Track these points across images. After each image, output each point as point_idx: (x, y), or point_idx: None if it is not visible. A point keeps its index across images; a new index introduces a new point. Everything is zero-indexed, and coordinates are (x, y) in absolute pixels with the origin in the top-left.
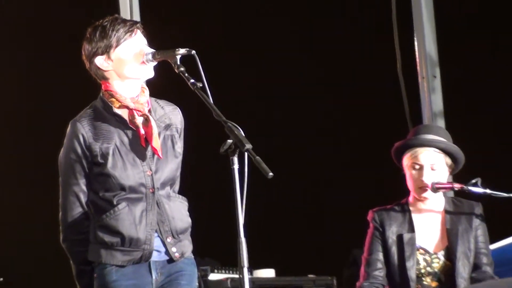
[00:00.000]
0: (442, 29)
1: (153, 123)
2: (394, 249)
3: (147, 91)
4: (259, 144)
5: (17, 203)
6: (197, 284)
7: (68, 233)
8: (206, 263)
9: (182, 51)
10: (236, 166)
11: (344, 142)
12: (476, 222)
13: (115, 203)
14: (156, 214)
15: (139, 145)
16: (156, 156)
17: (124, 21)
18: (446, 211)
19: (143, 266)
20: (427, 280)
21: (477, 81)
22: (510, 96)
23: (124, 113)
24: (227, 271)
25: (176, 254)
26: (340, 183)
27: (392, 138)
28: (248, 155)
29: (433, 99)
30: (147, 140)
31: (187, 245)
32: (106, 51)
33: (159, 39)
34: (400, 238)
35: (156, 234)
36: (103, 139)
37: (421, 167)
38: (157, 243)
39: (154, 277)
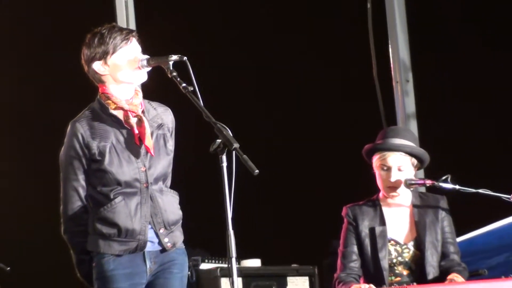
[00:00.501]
0: (414, 37)
1: (146, 123)
2: (367, 242)
3: (140, 94)
4: (245, 143)
5: (26, 195)
6: (188, 272)
7: (68, 225)
8: (197, 253)
9: (174, 57)
10: (224, 164)
11: (324, 141)
12: (442, 214)
13: (112, 197)
14: (149, 207)
15: (134, 144)
16: (149, 153)
17: (121, 29)
18: (414, 205)
19: (138, 255)
20: (399, 269)
21: (446, 85)
22: (476, 98)
23: (119, 114)
24: (216, 261)
25: (169, 244)
26: (320, 180)
27: (368, 137)
28: (235, 154)
29: (406, 101)
30: (141, 139)
31: (178, 236)
32: (103, 57)
33: (153, 44)
34: (372, 231)
35: (149, 226)
36: (100, 138)
37: (389, 169)
38: (150, 234)
39: (148, 266)
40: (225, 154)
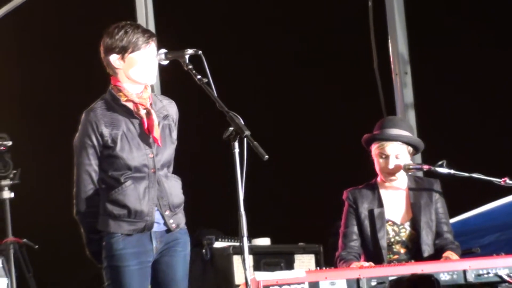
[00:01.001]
0: (412, 33)
1: (154, 116)
2: (366, 223)
3: (149, 88)
4: (256, 130)
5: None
6: (189, 249)
7: (81, 206)
8: (211, 233)
9: (190, 51)
10: (236, 150)
11: (329, 129)
12: (436, 196)
13: (122, 181)
14: (156, 191)
15: (143, 133)
16: (154, 141)
17: (144, 31)
18: (409, 188)
19: (145, 235)
20: (397, 247)
21: (442, 77)
22: (470, 89)
23: (129, 105)
24: (229, 240)
25: (173, 225)
26: (325, 165)
27: (370, 125)
28: (247, 141)
29: (404, 92)
30: (149, 130)
31: (181, 218)
32: (122, 52)
33: (171, 39)
34: (371, 212)
35: (156, 208)
36: (112, 126)
37: (387, 157)
38: (157, 215)
39: (154, 245)
40: (237, 141)
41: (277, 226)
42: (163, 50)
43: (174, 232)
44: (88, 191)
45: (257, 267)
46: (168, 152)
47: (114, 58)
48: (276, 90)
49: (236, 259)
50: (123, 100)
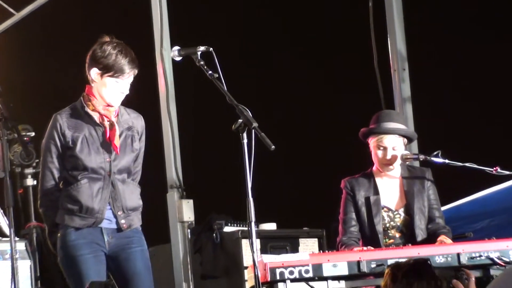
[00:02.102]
0: (410, 31)
1: (117, 127)
2: (363, 209)
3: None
4: (264, 123)
5: None
6: (146, 246)
7: (43, 200)
8: (221, 218)
9: (202, 48)
10: (245, 141)
11: (332, 121)
12: (428, 183)
13: (79, 178)
14: (110, 192)
15: (104, 140)
16: (112, 147)
17: (131, 61)
18: (403, 177)
19: (96, 229)
20: (392, 232)
21: (438, 73)
22: (464, 85)
23: (95, 114)
24: (238, 225)
25: (124, 225)
26: (328, 155)
27: (370, 118)
28: (254, 132)
29: (402, 87)
30: (110, 139)
31: (135, 220)
32: (103, 70)
33: (184, 35)
34: (367, 200)
35: (109, 207)
36: (74, 129)
37: (385, 149)
38: (109, 214)
39: (106, 239)
40: (245, 132)
41: (282, 212)
42: (177, 47)
43: (126, 231)
44: (49, 187)
45: (264, 250)
46: (126, 159)
47: (94, 72)
48: (283, 84)
49: (245, 243)
50: (90, 109)
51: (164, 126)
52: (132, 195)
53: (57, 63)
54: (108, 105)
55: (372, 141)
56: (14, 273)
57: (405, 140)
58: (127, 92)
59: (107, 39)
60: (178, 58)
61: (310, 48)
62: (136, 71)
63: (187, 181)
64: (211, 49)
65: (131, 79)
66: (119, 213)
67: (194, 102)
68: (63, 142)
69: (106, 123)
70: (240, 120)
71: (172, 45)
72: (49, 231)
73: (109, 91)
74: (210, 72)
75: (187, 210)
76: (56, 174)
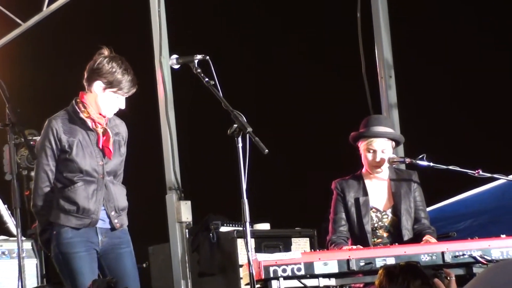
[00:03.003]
0: (396, 40)
1: (110, 133)
2: (353, 210)
3: None
4: (257, 127)
5: None
6: (132, 246)
7: (37, 200)
8: (218, 218)
9: (199, 56)
10: (240, 145)
11: (322, 126)
12: (414, 186)
13: (75, 181)
14: (103, 194)
15: (96, 144)
16: (104, 151)
17: (132, 79)
18: (391, 179)
19: (91, 229)
20: (380, 232)
21: (423, 80)
22: (449, 91)
23: (88, 121)
24: (233, 225)
25: (118, 224)
26: (319, 159)
27: (358, 122)
28: (249, 136)
29: (389, 93)
30: (104, 144)
31: (125, 219)
32: (107, 85)
33: (183, 42)
34: (357, 201)
35: (103, 208)
36: (70, 134)
37: (375, 152)
38: (103, 215)
39: (100, 238)
40: (240, 136)
41: (276, 212)
42: (175, 56)
43: (118, 231)
44: (44, 188)
45: (258, 249)
46: (115, 162)
47: (98, 84)
48: (275, 89)
49: (240, 242)
50: (84, 115)
51: (163, 130)
52: (121, 196)
53: (62, 71)
54: (101, 114)
55: (362, 145)
56: (21, 271)
57: (393, 143)
58: (124, 107)
59: (106, 52)
60: (176, 66)
61: (301, 55)
62: (134, 90)
63: (185, 183)
64: (207, 57)
65: (128, 97)
66: (112, 213)
67: (191, 108)
68: (59, 146)
69: (99, 130)
70: (235, 125)
71: (170, 53)
72: (42, 230)
73: (108, 104)
74: (206, 79)
75: (185, 211)
76: (51, 176)
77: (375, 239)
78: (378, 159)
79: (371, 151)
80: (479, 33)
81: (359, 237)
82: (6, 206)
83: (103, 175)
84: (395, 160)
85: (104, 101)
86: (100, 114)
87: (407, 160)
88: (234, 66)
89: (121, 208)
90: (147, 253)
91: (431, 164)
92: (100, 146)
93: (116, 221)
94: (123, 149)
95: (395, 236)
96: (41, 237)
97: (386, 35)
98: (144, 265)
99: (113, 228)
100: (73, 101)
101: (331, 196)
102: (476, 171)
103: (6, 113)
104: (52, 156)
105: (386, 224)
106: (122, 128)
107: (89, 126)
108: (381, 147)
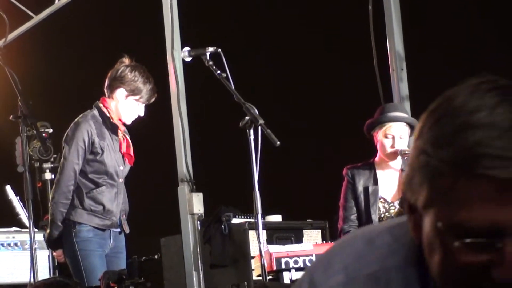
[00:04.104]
0: (408, 33)
1: (129, 139)
2: (361, 198)
3: None
4: (268, 119)
5: None
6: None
7: (60, 196)
8: (229, 210)
9: (210, 49)
10: (252, 137)
11: (335, 118)
12: None
13: (101, 183)
14: (121, 197)
15: (118, 149)
16: (124, 157)
17: (153, 88)
18: (402, 170)
19: (106, 232)
20: None
21: (435, 72)
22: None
23: (116, 124)
24: (245, 217)
25: (127, 228)
26: (331, 150)
27: (370, 114)
28: (261, 128)
29: (401, 86)
30: (126, 150)
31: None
32: (130, 93)
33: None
34: (366, 189)
35: (119, 211)
36: (101, 137)
37: (393, 138)
38: None
39: (111, 241)
40: (252, 129)
41: (288, 204)
42: (187, 48)
43: (122, 235)
44: (69, 186)
45: (270, 240)
46: (128, 168)
47: (121, 92)
48: (287, 81)
49: (251, 234)
50: (113, 120)
51: (175, 123)
52: (127, 200)
53: (74, 63)
54: (120, 120)
55: (379, 132)
56: (33, 262)
57: (409, 131)
58: (143, 115)
59: (127, 61)
60: (188, 59)
61: (312, 48)
62: (154, 99)
63: (197, 175)
64: (219, 50)
65: (148, 103)
66: (123, 216)
67: (203, 100)
68: (91, 148)
69: (120, 135)
70: (247, 117)
71: (182, 46)
72: (55, 225)
73: (129, 111)
74: (218, 72)
75: (197, 203)
76: (77, 176)
77: None
78: (396, 145)
79: (389, 136)
80: (491, 27)
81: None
82: (18, 197)
83: (122, 179)
84: (406, 152)
85: (126, 108)
86: (119, 120)
87: None
88: (246, 58)
89: (127, 212)
90: (159, 245)
91: None
92: (122, 152)
93: (125, 224)
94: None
95: None
96: (54, 233)
97: (398, 27)
98: (156, 256)
99: (120, 232)
100: (98, 105)
101: (342, 183)
102: None
103: (18, 105)
104: (82, 156)
105: (392, 215)
106: (128, 136)
107: (116, 131)
108: (399, 133)
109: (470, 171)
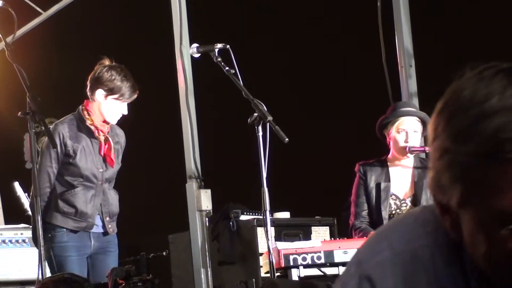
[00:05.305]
0: (416, 29)
1: (111, 141)
2: (373, 194)
3: None
4: (278, 113)
5: None
6: (118, 249)
7: (36, 200)
8: (238, 207)
9: (219, 45)
10: (260, 133)
11: (343, 115)
12: None
13: (75, 185)
14: (100, 200)
15: (98, 151)
16: (106, 159)
17: (133, 85)
18: (415, 167)
19: (85, 234)
20: None
21: (444, 69)
22: None
23: (92, 128)
24: (253, 213)
25: (111, 229)
26: (339, 147)
27: (378, 112)
28: (269, 125)
29: (409, 83)
30: (106, 152)
31: (115, 225)
32: (108, 92)
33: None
34: (378, 185)
35: (97, 213)
36: (75, 140)
37: (406, 132)
38: (97, 219)
39: (92, 242)
40: (260, 125)
41: (296, 201)
42: (195, 45)
43: (109, 236)
44: (44, 188)
45: (278, 237)
46: (113, 170)
47: (100, 93)
48: (294, 78)
49: (260, 231)
50: (88, 123)
51: (183, 120)
52: (115, 201)
53: (82, 60)
54: (105, 122)
55: (391, 129)
56: (41, 259)
57: (422, 127)
58: (126, 112)
59: (107, 62)
60: (197, 55)
61: (320, 45)
62: (136, 96)
63: (205, 172)
64: (228, 46)
65: (129, 102)
66: (107, 218)
67: (212, 97)
68: (63, 150)
69: (101, 137)
70: (255, 114)
71: (191, 42)
72: (34, 227)
73: (111, 111)
74: (227, 68)
75: (205, 200)
76: (52, 178)
77: None
78: (410, 140)
79: (402, 131)
80: (501, 22)
81: (376, 222)
82: (26, 194)
83: (102, 182)
84: (415, 149)
85: (107, 108)
86: (104, 121)
87: (427, 149)
88: (254, 55)
89: (114, 214)
90: (167, 242)
91: None
92: (102, 154)
93: (109, 226)
94: (120, 158)
95: None
96: (34, 233)
97: (407, 24)
98: (164, 253)
99: (105, 233)
100: (79, 108)
101: (353, 181)
102: None
103: (26, 101)
104: (55, 159)
105: (404, 212)
106: (122, 138)
107: (93, 134)
108: (413, 127)
109: (498, 158)
